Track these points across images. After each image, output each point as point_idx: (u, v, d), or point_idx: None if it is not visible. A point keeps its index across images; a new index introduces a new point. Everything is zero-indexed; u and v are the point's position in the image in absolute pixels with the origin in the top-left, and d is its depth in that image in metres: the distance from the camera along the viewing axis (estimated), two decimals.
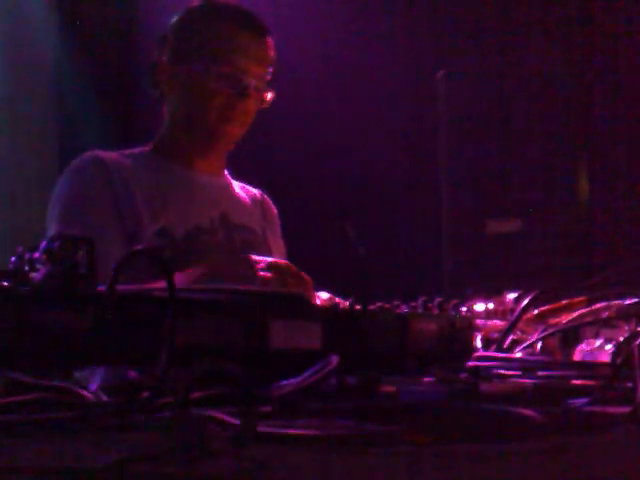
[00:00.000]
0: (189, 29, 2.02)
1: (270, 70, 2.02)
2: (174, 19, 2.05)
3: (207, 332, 0.96)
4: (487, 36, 3.64)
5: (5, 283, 0.91)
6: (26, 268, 0.94)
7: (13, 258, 0.95)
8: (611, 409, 0.87)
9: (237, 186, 2.19)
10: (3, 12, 3.87)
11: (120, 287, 0.91)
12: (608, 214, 3.33)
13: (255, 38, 1.99)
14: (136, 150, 2.06)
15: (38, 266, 0.94)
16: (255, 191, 2.22)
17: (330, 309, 1.13)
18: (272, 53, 2.02)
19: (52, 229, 1.90)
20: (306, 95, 3.60)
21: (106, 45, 4.12)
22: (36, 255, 0.94)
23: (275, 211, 2.22)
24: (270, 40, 2.02)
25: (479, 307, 1.50)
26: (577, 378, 1.02)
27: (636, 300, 1.32)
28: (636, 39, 3.34)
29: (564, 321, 1.35)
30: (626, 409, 0.85)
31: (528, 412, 0.76)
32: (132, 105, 4.22)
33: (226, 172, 2.17)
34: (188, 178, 2.04)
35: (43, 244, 0.95)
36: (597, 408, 0.88)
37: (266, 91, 2.00)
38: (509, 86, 3.47)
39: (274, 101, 2.06)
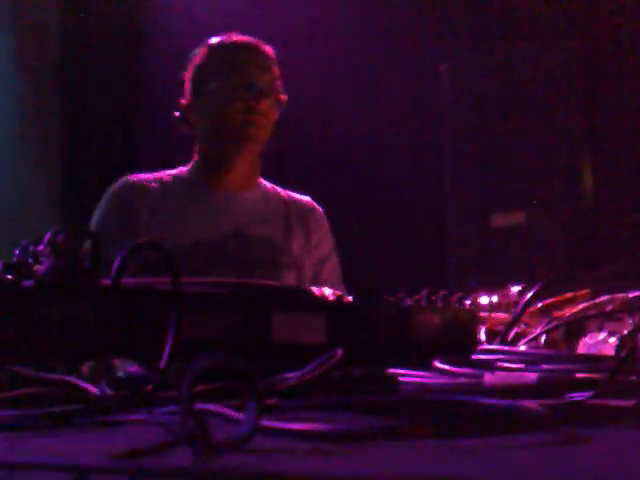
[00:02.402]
0: (202, 60, 2.25)
1: (277, 80, 2.24)
2: (188, 61, 2.28)
3: (210, 325, 0.96)
4: (490, 29, 3.63)
5: (9, 276, 0.91)
6: (30, 261, 0.94)
7: (17, 251, 0.95)
8: (615, 402, 0.87)
9: (275, 195, 2.33)
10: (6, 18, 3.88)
11: (124, 280, 0.91)
12: (612, 207, 3.33)
13: (258, 52, 2.24)
14: (175, 171, 2.28)
15: (42, 259, 0.94)
16: (302, 199, 2.36)
17: (334, 302, 1.13)
18: (274, 64, 2.25)
19: None
20: (309, 89, 3.59)
21: (111, 46, 4.13)
22: (40, 248, 0.94)
23: (318, 218, 2.35)
24: (270, 52, 2.26)
25: (483, 300, 1.50)
26: (581, 371, 1.02)
27: None
28: None
29: (568, 314, 1.34)
30: (630, 402, 0.84)
31: (532, 405, 0.76)
32: (135, 108, 4.23)
33: (263, 182, 2.33)
34: (210, 195, 2.22)
35: (47, 237, 0.95)
36: (601, 401, 0.88)
37: (280, 94, 2.23)
38: (512, 79, 3.46)
39: None
